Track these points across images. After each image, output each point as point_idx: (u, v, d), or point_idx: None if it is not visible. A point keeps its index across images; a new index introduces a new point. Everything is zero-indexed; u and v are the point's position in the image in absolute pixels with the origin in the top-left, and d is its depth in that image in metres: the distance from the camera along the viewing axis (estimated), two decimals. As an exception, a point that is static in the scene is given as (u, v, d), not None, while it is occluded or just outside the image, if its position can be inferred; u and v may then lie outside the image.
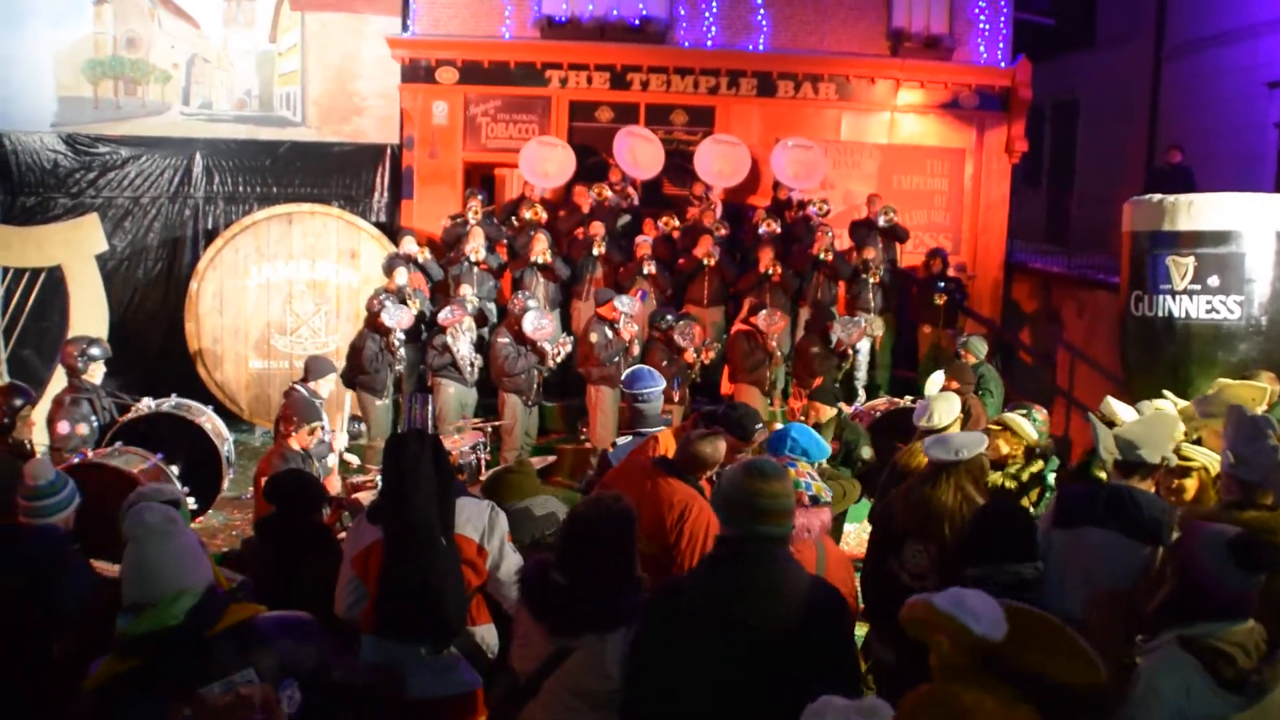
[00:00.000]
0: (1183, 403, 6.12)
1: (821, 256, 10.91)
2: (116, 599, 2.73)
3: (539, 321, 9.42)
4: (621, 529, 3.08)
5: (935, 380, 7.73)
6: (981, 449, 4.31)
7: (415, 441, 3.58)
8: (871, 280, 11.12)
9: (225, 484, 8.36)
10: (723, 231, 11.25)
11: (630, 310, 9.58)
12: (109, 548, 3.88)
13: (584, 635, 3.02)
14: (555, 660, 3.05)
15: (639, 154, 12.27)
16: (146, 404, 8.18)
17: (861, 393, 10.77)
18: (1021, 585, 3.06)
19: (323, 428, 6.72)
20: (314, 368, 7.50)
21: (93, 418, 7.38)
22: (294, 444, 6.39)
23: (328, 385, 7.52)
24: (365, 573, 3.70)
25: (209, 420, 8.41)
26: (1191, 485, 4.61)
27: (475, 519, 3.85)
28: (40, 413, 9.72)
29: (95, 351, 7.50)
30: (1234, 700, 2.69)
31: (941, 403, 5.36)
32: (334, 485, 6.78)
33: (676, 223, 11.33)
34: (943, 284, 11.40)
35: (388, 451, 3.71)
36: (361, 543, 3.75)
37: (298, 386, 7.29)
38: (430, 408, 3.75)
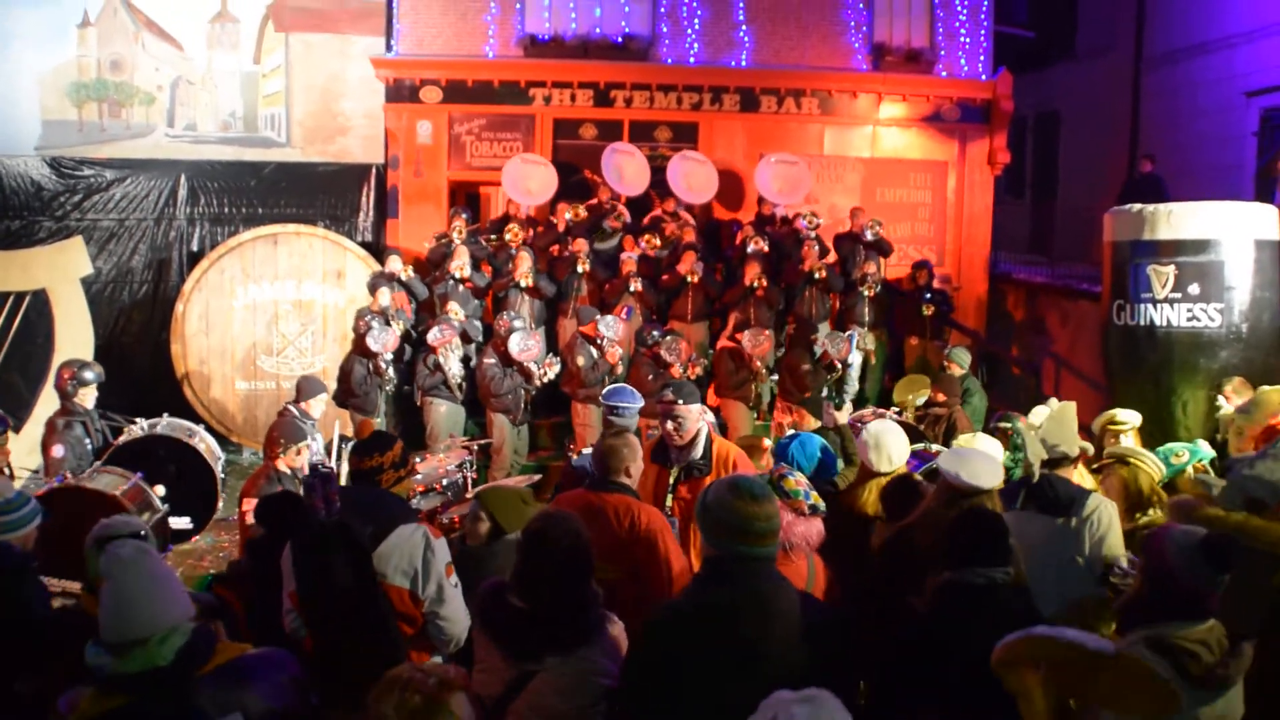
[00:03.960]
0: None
1: (815, 274, 10.92)
2: (83, 632, 2.68)
3: (525, 343, 9.43)
4: (574, 546, 3.05)
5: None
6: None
7: (319, 540, 3.48)
8: (868, 294, 11.17)
9: (220, 505, 8.34)
10: (693, 238, 11.27)
11: (613, 334, 9.58)
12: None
13: (547, 658, 2.99)
14: (519, 683, 3.02)
15: (625, 170, 12.30)
16: (140, 426, 8.17)
17: (849, 404, 10.79)
18: (992, 588, 3.09)
19: (310, 448, 6.72)
20: (305, 388, 7.53)
21: (86, 440, 7.37)
22: (281, 465, 6.39)
23: (319, 405, 7.57)
24: (299, 609, 3.69)
25: (202, 440, 8.41)
26: (1116, 483, 4.93)
27: (405, 563, 3.77)
28: (28, 436, 9.70)
29: (88, 375, 7.50)
30: (1200, 695, 2.76)
31: (894, 439, 4.84)
32: None
33: (658, 242, 11.34)
34: (929, 295, 11.44)
35: (294, 547, 3.64)
36: (291, 584, 3.71)
37: (290, 407, 7.32)
38: (333, 486, 3.67)
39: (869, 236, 11.76)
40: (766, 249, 11.16)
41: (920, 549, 4.13)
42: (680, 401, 4.78)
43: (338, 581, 3.39)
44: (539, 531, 3.11)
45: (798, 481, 3.87)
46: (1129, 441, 5.86)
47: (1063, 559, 4.27)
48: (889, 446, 4.77)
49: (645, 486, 4.87)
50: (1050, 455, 4.66)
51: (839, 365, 10.23)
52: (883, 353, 11.52)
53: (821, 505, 3.82)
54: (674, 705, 2.81)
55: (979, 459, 4.32)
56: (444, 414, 9.65)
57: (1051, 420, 4.88)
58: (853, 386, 11.05)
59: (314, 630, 3.55)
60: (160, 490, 7.22)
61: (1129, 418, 6.16)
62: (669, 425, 4.83)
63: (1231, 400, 6.81)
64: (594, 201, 11.93)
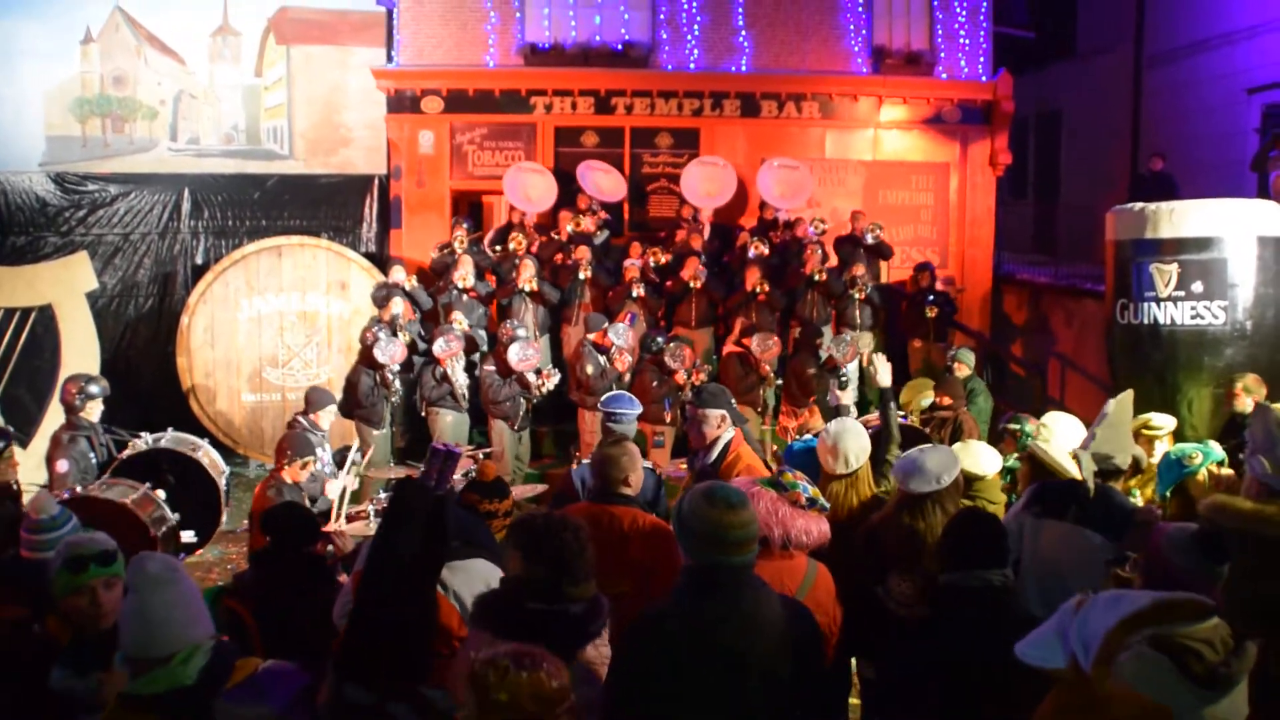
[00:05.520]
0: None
1: (815, 277, 10.91)
2: (47, 650, 2.63)
3: (523, 353, 9.42)
4: (583, 538, 3.00)
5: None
6: (959, 469, 4.24)
7: (418, 498, 3.50)
8: (858, 297, 11.15)
9: (224, 517, 8.35)
10: (697, 244, 11.26)
11: (623, 342, 9.57)
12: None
13: (584, 648, 2.97)
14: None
15: (601, 183, 12.42)
16: (144, 440, 8.19)
17: (852, 409, 10.76)
18: (989, 591, 3.08)
19: (315, 460, 6.73)
20: (314, 399, 7.53)
21: (91, 454, 7.38)
22: (286, 477, 6.42)
23: (328, 416, 7.58)
24: (354, 589, 3.68)
25: (206, 454, 8.41)
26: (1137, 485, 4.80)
27: (465, 589, 3.71)
28: (36, 450, 9.73)
29: (94, 389, 7.51)
30: (1204, 694, 2.73)
31: (853, 440, 4.62)
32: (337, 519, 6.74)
33: (664, 258, 11.31)
34: (933, 297, 11.42)
35: (393, 495, 3.67)
36: (361, 563, 3.72)
37: (300, 419, 7.34)
38: (452, 468, 3.67)
39: (869, 240, 11.76)
40: (766, 252, 11.16)
41: (885, 548, 4.15)
42: (698, 406, 4.81)
43: (404, 546, 3.37)
44: (552, 536, 3.00)
45: (796, 475, 3.83)
46: (1163, 447, 5.68)
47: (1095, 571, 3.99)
48: (846, 448, 4.58)
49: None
50: (1101, 467, 4.33)
51: (844, 369, 10.23)
52: (879, 356, 11.45)
53: (823, 502, 3.78)
54: (659, 713, 2.78)
55: (925, 461, 4.20)
56: (450, 424, 9.65)
57: (1107, 425, 4.47)
58: (852, 384, 11.03)
59: (358, 605, 3.53)
60: (161, 494, 7.23)
61: (1164, 422, 5.97)
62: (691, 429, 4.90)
63: (1243, 398, 6.61)
64: (576, 208, 11.96)
